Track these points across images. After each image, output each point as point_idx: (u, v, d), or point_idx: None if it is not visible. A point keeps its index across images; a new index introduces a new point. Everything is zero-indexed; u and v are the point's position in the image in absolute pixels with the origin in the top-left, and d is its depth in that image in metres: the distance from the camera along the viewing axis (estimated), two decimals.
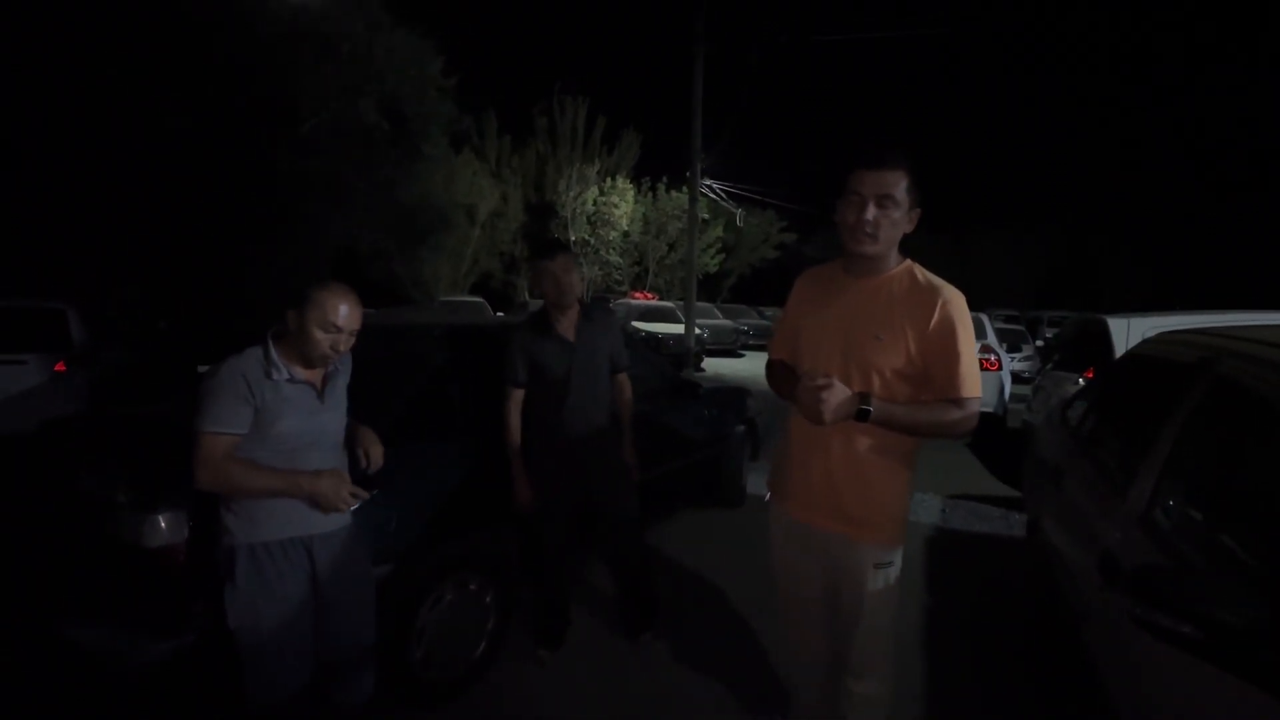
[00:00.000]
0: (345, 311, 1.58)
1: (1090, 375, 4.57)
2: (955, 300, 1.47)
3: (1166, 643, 1.03)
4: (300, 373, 1.60)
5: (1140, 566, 1.13)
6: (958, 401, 1.45)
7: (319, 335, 1.56)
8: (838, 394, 1.39)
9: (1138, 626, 1.06)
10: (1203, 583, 1.05)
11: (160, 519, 1.60)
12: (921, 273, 1.54)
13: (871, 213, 1.45)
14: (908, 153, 1.47)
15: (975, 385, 1.45)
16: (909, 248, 1.57)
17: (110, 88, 8.85)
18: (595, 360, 2.33)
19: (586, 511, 2.44)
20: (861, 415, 1.40)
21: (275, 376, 1.55)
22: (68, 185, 9.13)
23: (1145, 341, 2.52)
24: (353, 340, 1.62)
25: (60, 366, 4.98)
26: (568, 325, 2.32)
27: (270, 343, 1.58)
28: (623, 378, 2.44)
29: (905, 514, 1.61)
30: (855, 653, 1.63)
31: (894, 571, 1.60)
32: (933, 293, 1.48)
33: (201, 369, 1.52)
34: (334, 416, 1.68)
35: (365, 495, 1.64)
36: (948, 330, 1.44)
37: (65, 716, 1.97)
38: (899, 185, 1.45)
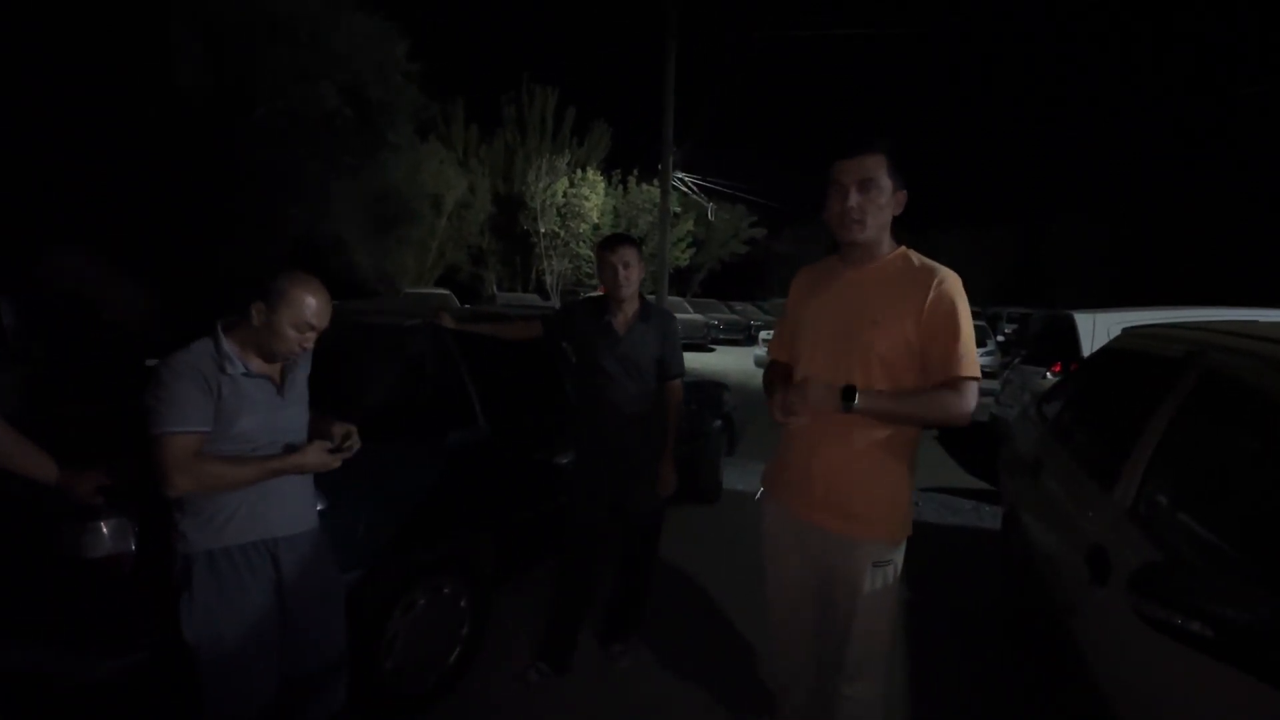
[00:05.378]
0: (318, 307, 1.49)
1: (1058, 369, 4.68)
2: (951, 280, 1.47)
3: (1174, 640, 1.01)
4: (256, 366, 1.49)
5: (1144, 565, 1.11)
6: (955, 382, 1.42)
7: (291, 334, 1.46)
8: (814, 392, 1.42)
9: (1144, 624, 1.04)
10: (1210, 581, 1.04)
11: (103, 527, 1.47)
12: (916, 256, 1.54)
13: (855, 199, 1.46)
14: (888, 137, 1.47)
15: (974, 365, 1.43)
16: None
17: (51, 70, 8.33)
18: (640, 360, 2.26)
19: (614, 517, 2.35)
20: (846, 407, 1.39)
21: (230, 370, 1.43)
22: (2, 169, 8.57)
23: (1125, 335, 2.55)
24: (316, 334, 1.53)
25: None
26: (621, 319, 2.28)
27: (221, 334, 1.46)
28: (675, 385, 2.36)
29: (906, 510, 1.56)
30: (850, 654, 1.58)
31: (893, 571, 1.55)
32: (928, 273, 1.48)
33: (150, 363, 1.39)
34: (296, 411, 1.58)
35: (350, 452, 1.57)
36: (946, 308, 1.43)
37: None
38: (879, 170, 1.46)
